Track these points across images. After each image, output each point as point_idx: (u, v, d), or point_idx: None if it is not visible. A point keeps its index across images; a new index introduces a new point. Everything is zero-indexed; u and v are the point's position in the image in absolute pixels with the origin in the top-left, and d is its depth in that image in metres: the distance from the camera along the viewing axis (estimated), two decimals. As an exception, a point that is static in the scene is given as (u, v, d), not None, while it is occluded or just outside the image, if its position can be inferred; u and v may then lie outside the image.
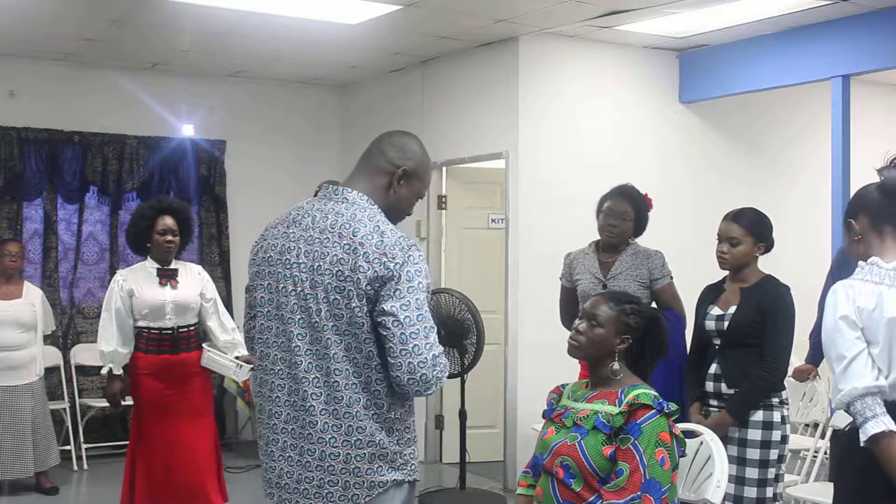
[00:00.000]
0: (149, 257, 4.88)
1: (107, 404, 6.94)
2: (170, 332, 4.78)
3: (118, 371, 4.81)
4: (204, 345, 4.93)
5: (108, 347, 4.77)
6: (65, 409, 6.81)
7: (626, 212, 4.50)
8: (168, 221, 4.82)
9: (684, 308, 4.48)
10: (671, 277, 4.51)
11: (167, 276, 4.81)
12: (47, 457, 6.21)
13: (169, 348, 4.79)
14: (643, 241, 4.67)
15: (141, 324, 4.78)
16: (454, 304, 5.51)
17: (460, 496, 5.97)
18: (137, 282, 4.78)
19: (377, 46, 6.66)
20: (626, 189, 4.59)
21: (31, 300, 6.21)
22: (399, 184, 2.60)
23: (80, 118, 7.16)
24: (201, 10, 5.66)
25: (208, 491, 4.85)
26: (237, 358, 4.89)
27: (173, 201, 5.20)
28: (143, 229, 4.84)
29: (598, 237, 4.60)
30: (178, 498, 4.77)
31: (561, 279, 4.74)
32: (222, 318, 4.98)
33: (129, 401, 4.98)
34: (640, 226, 4.58)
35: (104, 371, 4.83)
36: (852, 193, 2.83)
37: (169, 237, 4.81)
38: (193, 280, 4.92)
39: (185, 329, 4.83)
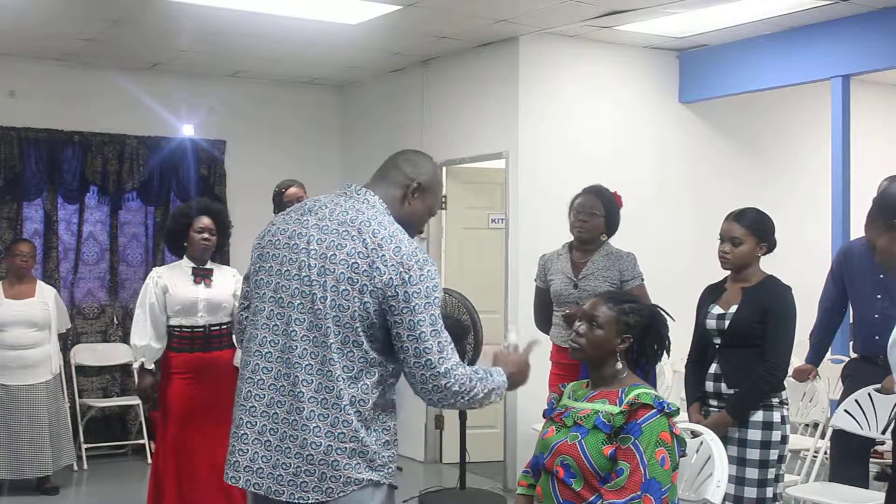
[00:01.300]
0: (185, 256, 4.92)
1: (108, 404, 7.04)
2: (202, 329, 4.80)
3: (150, 366, 4.83)
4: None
5: (141, 342, 4.79)
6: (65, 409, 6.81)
7: (594, 205, 4.58)
8: (206, 221, 4.86)
9: None
10: (642, 279, 4.56)
11: (202, 275, 4.85)
12: (61, 455, 6.22)
13: (201, 346, 4.80)
14: (640, 239, 4.69)
15: (173, 322, 4.80)
16: (452, 305, 5.51)
17: (460, 496, 5.97)
18: (172, 279, 4.82)
19: (377, 46, 6.66)
20: (595, 187, 4.69)
21: (45, 299, 6.23)
22: (413, 196, 2.64)
23: (80, 118, 7.16)
24: (201, 10, 5.66)
25: (231, 493, 4.85)
26: None
27: (212, 202, 5.21)
28: (182, 227, 4.88)
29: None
30: (202, 500, 4.77)
31: (536, 280, 4.80)
32: None
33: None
34: (611, 223, 4.64)
35: (136, 366, 4.86)
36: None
37: (206, 235, 4.85)
38: (228, 280, 4.93)
39: (218, 327, 4.84)
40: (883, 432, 4.23)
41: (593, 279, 4.50)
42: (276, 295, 2.53)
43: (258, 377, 2.53)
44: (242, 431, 2.55)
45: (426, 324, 2.43)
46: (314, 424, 2.44)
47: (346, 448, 2.44)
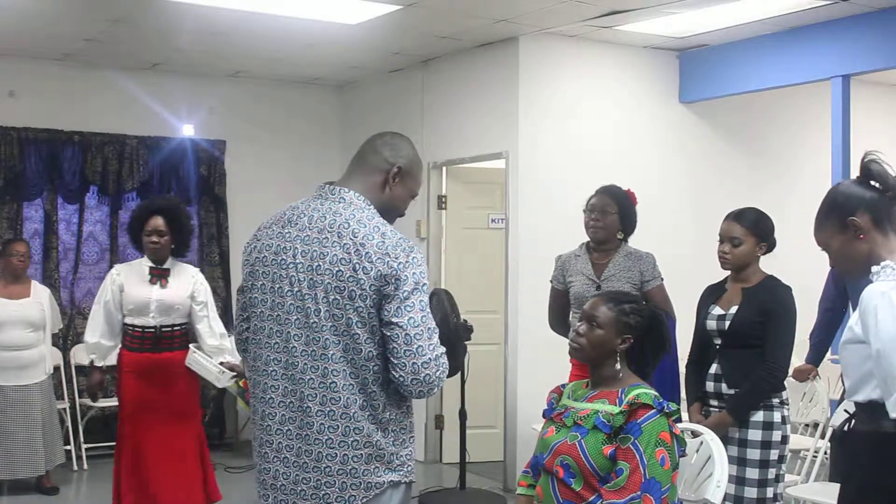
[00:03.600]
0: (145, 255, 4.92)
1: (107, 404, 7.03)
2: (152, 330, 4.81)
3: (100, 363, 4.88)
4: (191, 345, 4.92)
5: (92, 339, 4.85)
6: (65, 409, 6.81)
7: (607, 205, 4.54)
8: (155, 222, 4.85)
9: (674, 310, 4.48)
10: (662, 279, 4.53)
11: (158, 276, 4.85)
12: (54, 455, 6.22)
13: (151, 346, 4.82)
14: (640, 238, 4.68)
15: (127, 320, 4.83)
16: (444, 304, 5.49)
17: (460, 496, 5.97)
18: (129, 278, 4.84)
19: (377, 46, 6.66)
20: (608, 186, 4.66)
21: (40, 299, 6.23)
22: (394, 181, 2.61)
23: (80, 118, 7.16)
24: (201, 10, 5.66)
25: (192, 492, 4.85)
26: (221, 364, 4.87)
27: (163, 201, 5.17)
28: (136, 230, 4.90)
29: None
30: (163, 499, 4.77)
31: (552, 281, 4.75)
32: (212, 323, 4.96)
33: (112, 398, 5.00)
34: (627, 221, 4.59)
35: (87, 362, 4.94)
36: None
37: (154, 238, 4.84)
38: (185, 281, 4.91)
39: (169, 329, 4.84)
40: (831, 440, 4.04)
41: (616, 280, 4.44)
42: (274, 313, 2.53)
43: (268, 396, 2.54)
44: (264, 451, 2.57)
45: (416, 310, 2.41)
46: (326, 437, 2.45)
47: (361, 454, 2.45)
